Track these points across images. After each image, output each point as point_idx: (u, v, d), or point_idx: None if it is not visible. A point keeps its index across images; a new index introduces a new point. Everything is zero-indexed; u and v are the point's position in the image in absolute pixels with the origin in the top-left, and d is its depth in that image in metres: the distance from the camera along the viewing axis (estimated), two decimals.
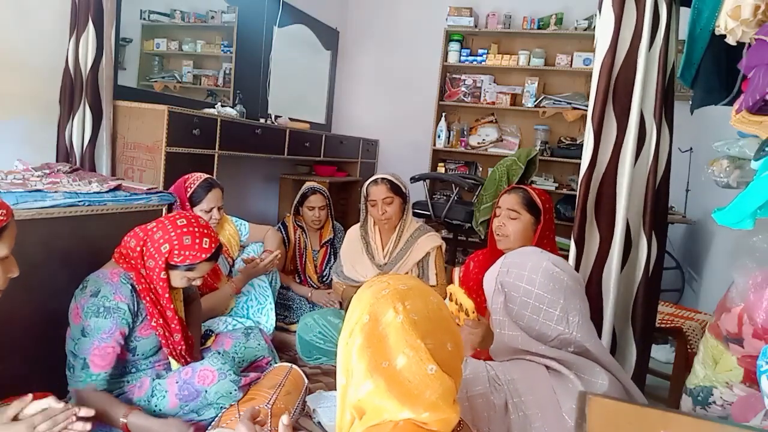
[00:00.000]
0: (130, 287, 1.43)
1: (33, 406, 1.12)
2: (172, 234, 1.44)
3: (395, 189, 2.31)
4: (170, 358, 1.54)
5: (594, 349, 1.10)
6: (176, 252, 1.43)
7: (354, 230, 2.47)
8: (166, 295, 1.47)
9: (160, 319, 1.46)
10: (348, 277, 2.40)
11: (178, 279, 1.48)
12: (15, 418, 1.10)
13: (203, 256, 1.46)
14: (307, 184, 2.81)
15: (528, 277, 1.12)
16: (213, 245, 1.48)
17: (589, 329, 1.12)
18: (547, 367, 1.08)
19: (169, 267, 1.45)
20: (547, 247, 1.72)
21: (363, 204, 2.39)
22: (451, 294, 1.50)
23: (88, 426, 1.15)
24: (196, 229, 1.47)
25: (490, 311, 1.20)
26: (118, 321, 1.39)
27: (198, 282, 1.53)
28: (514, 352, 1.14)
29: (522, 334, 1.10)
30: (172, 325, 1.50)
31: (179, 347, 1.52)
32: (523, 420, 1.03)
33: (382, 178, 2.32)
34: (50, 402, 1.12)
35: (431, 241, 2.33)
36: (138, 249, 1.45)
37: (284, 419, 0.90)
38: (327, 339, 2.19)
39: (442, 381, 0.74)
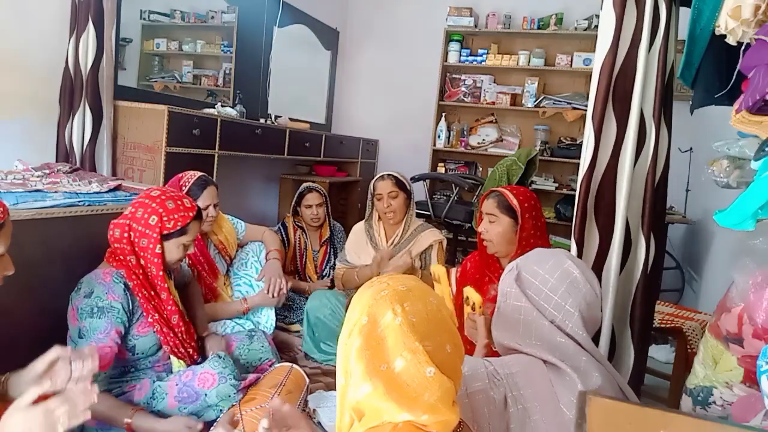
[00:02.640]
0: (123, 286, 1.43)
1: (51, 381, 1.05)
2: (154, 205, 1.45)
3: (400, 184, 2.41)
4: (171, 357, 1.54)
5: (586, 345, 1.12)
6: (166, 219, 1.45)
7: (359, 226, 2.56)
8: (161, 274, 1.47)
9: (156, 314, 1.47)
10: (351, 264, 2.48)
11: (174, 249, 1.49)
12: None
13: (191, 214, 1.49)
14: (304, 184, 2.82)
15: (541, 261, 1.19)
16: (194, 203, 1.53)
17: (583, 327, 1.13)
18: (545, 362, 1.10)
19: (163, 238, 1.46)
20: (537, 244, 1.72)
21: (370, 200, 2.48)
22: (438, 276, 1.55)
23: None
24: (173, 194, 1.51)
25: (498, 288, 1.24)
26: (113, 320, 1.39)
27: (191, 249, 1.54)
28: (514, 332, 1.15)
29: (526, 304, 1.14)
30: (169, 307, 1.50)
31: (179, 331, 1.52)
32: (522, 413, 1.04)
33: (388, 174, 2.44)
34: (62, 372, 1.07)
35: (434, 235, 2.43)
36: (125, 236, 1.45)
37: (264, 423, 0.89)
38: (335, 317, 2.27)
39: (441, 383, 0.73)
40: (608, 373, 1.11)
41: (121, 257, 1.46)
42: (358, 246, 2.50)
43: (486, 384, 1.06)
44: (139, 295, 1.45)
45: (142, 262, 1.46)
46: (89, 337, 1.36)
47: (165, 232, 1.45)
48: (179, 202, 1.49)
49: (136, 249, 1.46)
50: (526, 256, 1.24)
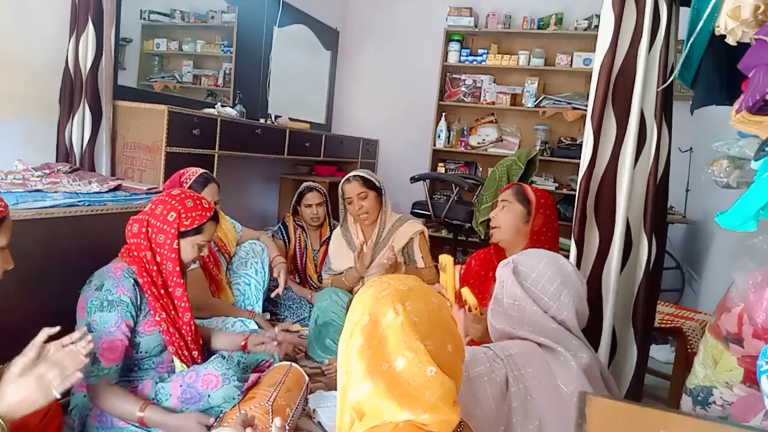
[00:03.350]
0: (133, 281, 1.44)
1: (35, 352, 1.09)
2: (174, 203, 1.49)
3: (368, 184, 2.37)
4: (175, 358, 1.54)
5: (576, 334, 1.20)
6: (184, 216, 1.48)
7: (336, 232, 2.55)
8: (177, 270, 1.49)
9: (163, 313, 1.48)
10: (335, 271, 2.47)
11: (189, 248, 1.51)
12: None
13: (208, 214, 1.53)
14: (304, 183, 2.83)
15: (537, 257, 1.27)
16: (211, 205, 1.57)
17: (575, 318, 1.21)
18: (540, 345, 1.17)
19: (180, 235, 1.49)
20: (545, 245, 1.74)
21: (342, 204, 2.46)
22: (445, 265, 1.56)
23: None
24: (192, 194, 1.56)
25: (496, 281, 1.30)
26: (123, 313, 1.40)
27: (205, 251, 1.57)
28: (509, 317, 1.22)
29: (522, 293, 1.21)
30: (183, 304, 1.51)
31: (187, 331, 1.52)
32: (523, 391, 1.10)
33: (354, 176, 2.39)
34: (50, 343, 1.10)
35: (413, 227, 2.40)
36: (143, 231, 1.47)
37: (277, 422, 0.90)
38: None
39: (443, 382, 0.73)
40: (594, 358, 1.19)
41: (136, 253, 1.48)
42: (339, 252, 2.48)
43: (487, 367, 1.11)
44: (148, 292, 1.46)
45: (158, 258, 1.48)
46: (100, 331, 1.38)
47: (182, 229, 1.48)
48: (198, 202, 1.53)
49: (153, 245, 1.48)
50: (521, 254, 1.30)
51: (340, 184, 2.42)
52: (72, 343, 1.13)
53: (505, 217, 1.77)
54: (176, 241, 1.48)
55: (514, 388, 1.10)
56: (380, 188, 2.42)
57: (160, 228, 1.47)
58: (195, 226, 1.49)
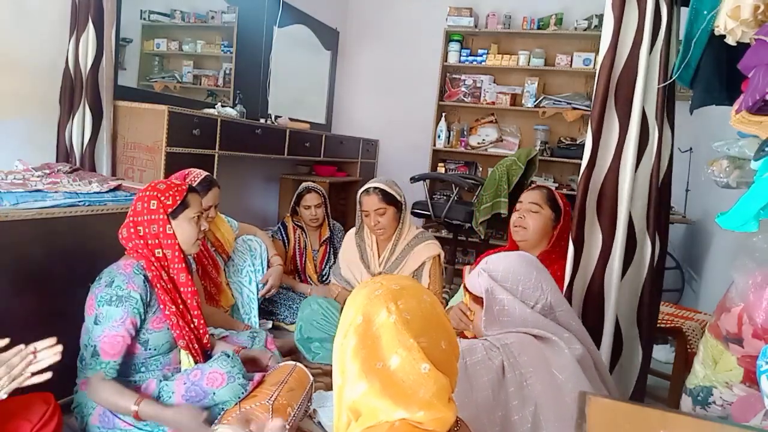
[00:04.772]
0: (143, 277, 1.45)
1: None
2: (148, 193, 1.50)
3: (388, 198, 2.22)
4: (182, 357, 1.54)
5: (565, 314, 1.26)
6: (164, 198, 1.49)
7: (350, 236, 2.43)
8: (176, 255, 1.50)
9: (173, 307, 1.49)
10: (345, 280, 2.40)
11: (186, 225, 1.52)
12: None
13: (184, 187, 1.54)
14: (303, 184, 2.83)
15: (505, 259, 1.31)
16: (183, 181, 1.58)
17: (561, 298, 1.28)
18: (535, 337, 1.21)
19: (171, 217, 1.50)
20: (564, 249, 1.78)
21: (358, 213, 2.34)
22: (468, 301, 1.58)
23: (57, 355, 1.08)
24: (162, 179, 1.58)
25: (472, 292, 1.33)
26: (130, 310, 1.40)
27: (204, 225, 1.57)
28: (501, 324, 1.25)
29: (508, 297, 1.24)
30: (189, 290, 1.52)
31: (195, 316, 1.53)
32: (519, 377, 1.14)
33: (374, 188, 2.23)
34: None
35: (428, 251, 2.27)
36: (132, 230, 1.48)
37: (277, 422, 0.90)
38: (328, 321, 2.21)
39: (437, 379, 0.74)
40: (586, 350, 1.22)
41: (139, 251, 1.49)
42: (350, 260, 2.39)
43: (484, 355, 1.15)
44: (158, 285, 1.47)
45: (158, 252, 1.49)
46: (104, 324, 1.38)
47: (169, 210, 1.49)
48: (168, 182, 1.55)
49: (150, 241, 1.48)
50: (487, 262, 1.33)
51: (359, 193, 2.28)
52: (34, 352, 1.05)
53: (534, 221, 1.82)
54: (168, 225, 1.49)
55: (510, 374, 1.14)
56: (401, 202, 2.26)
57: (149, 220, 1.48)
58: (179, 201, 1.51)
